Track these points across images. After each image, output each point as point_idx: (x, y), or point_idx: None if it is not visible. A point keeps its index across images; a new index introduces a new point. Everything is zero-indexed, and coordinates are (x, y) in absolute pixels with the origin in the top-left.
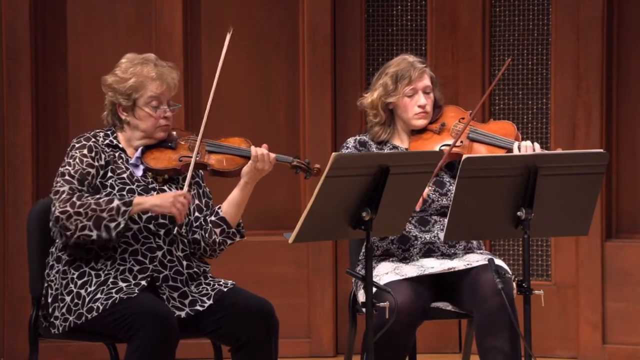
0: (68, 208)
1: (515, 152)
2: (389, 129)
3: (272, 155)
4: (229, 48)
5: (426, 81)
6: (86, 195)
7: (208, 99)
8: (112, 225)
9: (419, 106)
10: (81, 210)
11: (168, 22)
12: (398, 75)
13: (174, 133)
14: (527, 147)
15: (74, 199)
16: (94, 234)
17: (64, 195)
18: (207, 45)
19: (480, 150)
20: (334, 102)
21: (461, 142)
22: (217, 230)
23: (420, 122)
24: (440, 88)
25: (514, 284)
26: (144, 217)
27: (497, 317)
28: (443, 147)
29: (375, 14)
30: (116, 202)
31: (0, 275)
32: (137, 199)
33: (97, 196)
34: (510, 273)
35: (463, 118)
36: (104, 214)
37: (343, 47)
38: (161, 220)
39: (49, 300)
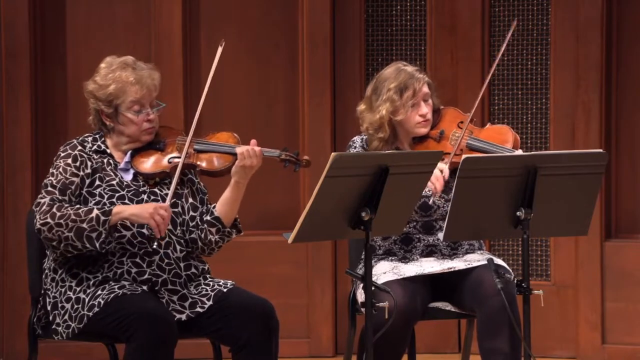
0: (49, 219)
1: None
2: (388, 145)
3: (258, 148)
4: (230, 44)
5: (425, 89)
6: (66, 205)
7: (207, 99)
8: (94, 235)
9: (421, 115)
10: (61, 221)
11: (167, 22)
12: (401, 88)
13: (161, 134)
14: None
15: (54, 209)
16: (79, 244)
17: (44, 207)
18: (206, 45)
19: None
20: (334, 102)
21: (461, 150)
22: (213, 230)
23: (423, 130)
24: (436, 93)
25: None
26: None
27: (498, 317)
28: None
29: (375, 14)
30: (95, 212)
31: None
32: (116, 208)
33: (77, 206)
34: (511, 273)
35: (462, 122)
36: (84, 225)
37: (342, 48)
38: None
39: (49, 308)
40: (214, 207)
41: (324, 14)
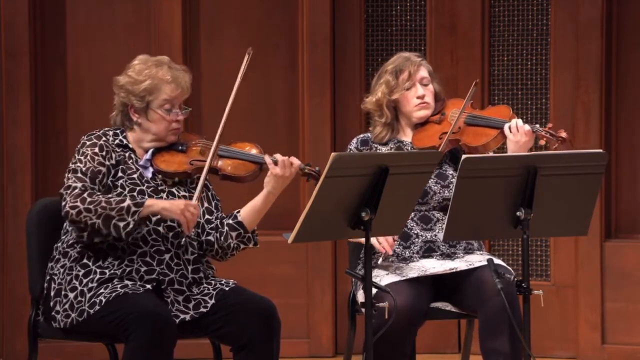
0: (78, 204)
1: (506, 131)
2: (392, 129)
3: (297, 162)
4: (230, 44)
5: (423, 72)
6: (97, 193)
7: (207, 99)
8: (122, 224)
9: (418, 97)
10: (91, 207)
11: (167, 23)
12: (397, 70)
13: (182, 138)
14: (519, 127)
15: (85, 195)
16: (104, 231)
17: (76, 191)
18: (206, 46)
19: (475, 132)
20: (334, 103)
21: (459, 128)
22: (234, 234)
23: (422, 113)
24: (439, 81)
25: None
26: (154, 219)
27: (499, 317)
28: (442, 136)
29: (375, 14)
30: (127, 202)
31: None
32: (148, 201)
33: (109, 195)
34: (512, 272)
35: None
36: (114, 213)
37: (342, 48)
38: (170, 223)
39: (52, 293)
40: (238, 212)
41: (324, 14)
